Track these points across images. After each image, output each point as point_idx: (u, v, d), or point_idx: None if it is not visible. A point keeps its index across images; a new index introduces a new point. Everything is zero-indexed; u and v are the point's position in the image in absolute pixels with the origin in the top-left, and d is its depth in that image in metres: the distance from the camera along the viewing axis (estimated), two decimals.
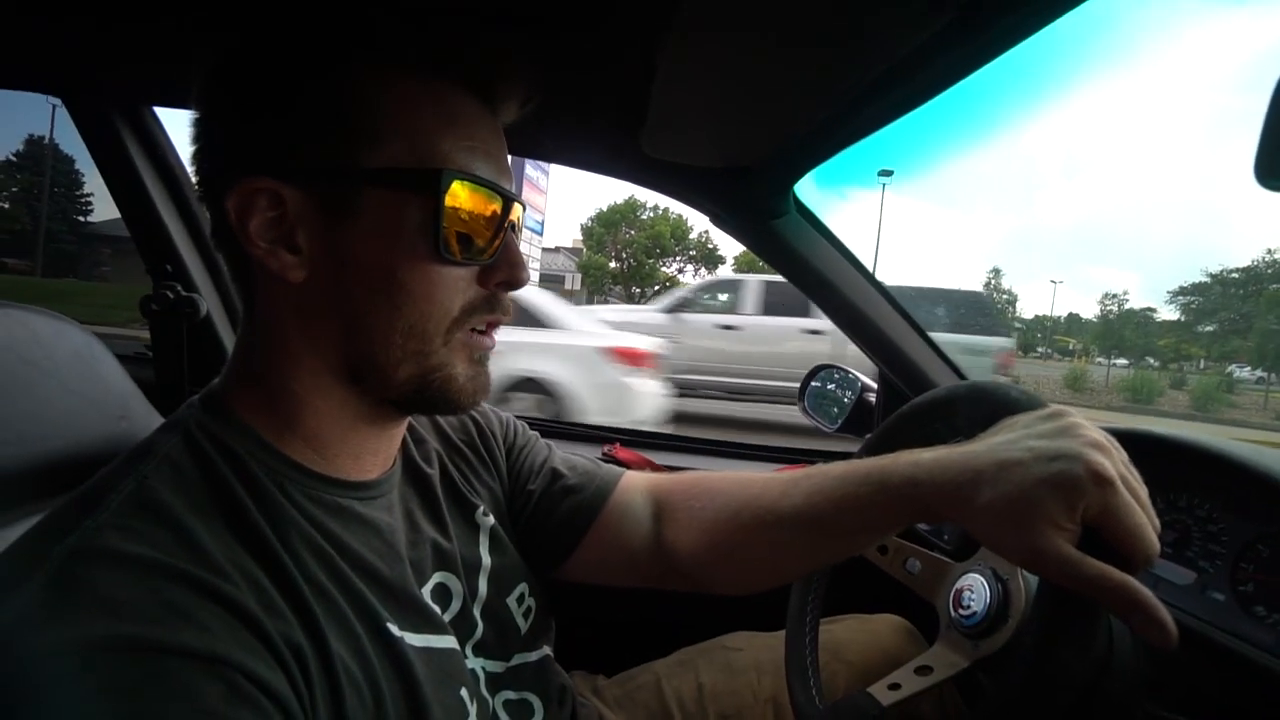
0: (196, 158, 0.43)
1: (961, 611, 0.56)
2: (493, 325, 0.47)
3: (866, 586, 0.75)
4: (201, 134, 0.42)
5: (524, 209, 0.50)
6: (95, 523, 0.33)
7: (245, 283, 0.44)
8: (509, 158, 0.48)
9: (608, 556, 0.60)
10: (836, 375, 1.16)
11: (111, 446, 0.64)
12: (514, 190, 0.46)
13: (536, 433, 0.67)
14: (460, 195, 0.41)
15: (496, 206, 0.44)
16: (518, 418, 0.68)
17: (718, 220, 0.92)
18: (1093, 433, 0.40)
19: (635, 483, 0.63)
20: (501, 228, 0.45)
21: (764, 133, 0.71)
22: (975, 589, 0.56)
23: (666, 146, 0.78)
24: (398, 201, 0.40)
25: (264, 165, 0.40)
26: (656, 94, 0.65)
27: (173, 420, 0.43)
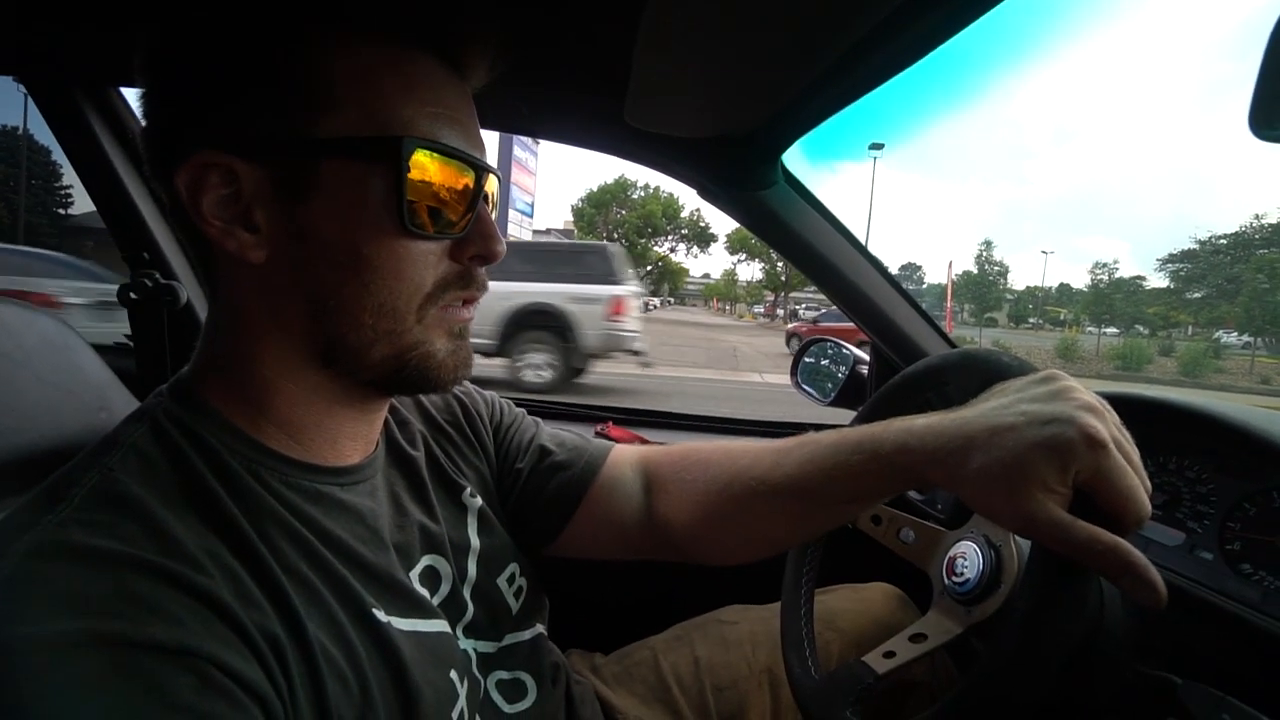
0: (145, 134, 0.41)
1: (955, 579, 0.56)
2: (469, 300, 0.45)
3: (859, 557, 0.76)
4: (149, 108, 0.40)
5: (500, 179, 0.48)
6: (57, 518, 0.32)
7: (207, 264, 0.42)
8: (498, 134, 0.46)
9: (600, 531, 0.60)
10: (830, 350, 1.15)
11: (93, 438, 0.63)
12: (486, 160, 0.44)
13: (523, 410, 0.67)
14: (425, 164, 0.39)
15: (468, 177, 0.42)
16: (503, 396, 0.67)
17: (704, 192, 0.91)
18: (1085, 395, 0.40)
19: (625, 456, 0.62)
20: (475, 199, 0.43)
21: (749, 100, 0.69)
22: (968, 556, 0.56)
23: (650, 117, 0.76)
24: (359, 173, 0.38)
25: (214, 139, 0.38)
26: (638, 63, 0.63)
27: (140, 411, 0.41)
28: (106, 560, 0.31)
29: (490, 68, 0.45)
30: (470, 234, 0.43)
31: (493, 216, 0.46)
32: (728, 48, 0.58)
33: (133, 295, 1.01)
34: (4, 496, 0.56)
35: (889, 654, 0.54)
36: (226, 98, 0.38)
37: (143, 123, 0.41)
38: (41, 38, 0.73)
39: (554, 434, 0.64)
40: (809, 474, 0.49)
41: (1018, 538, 0.55)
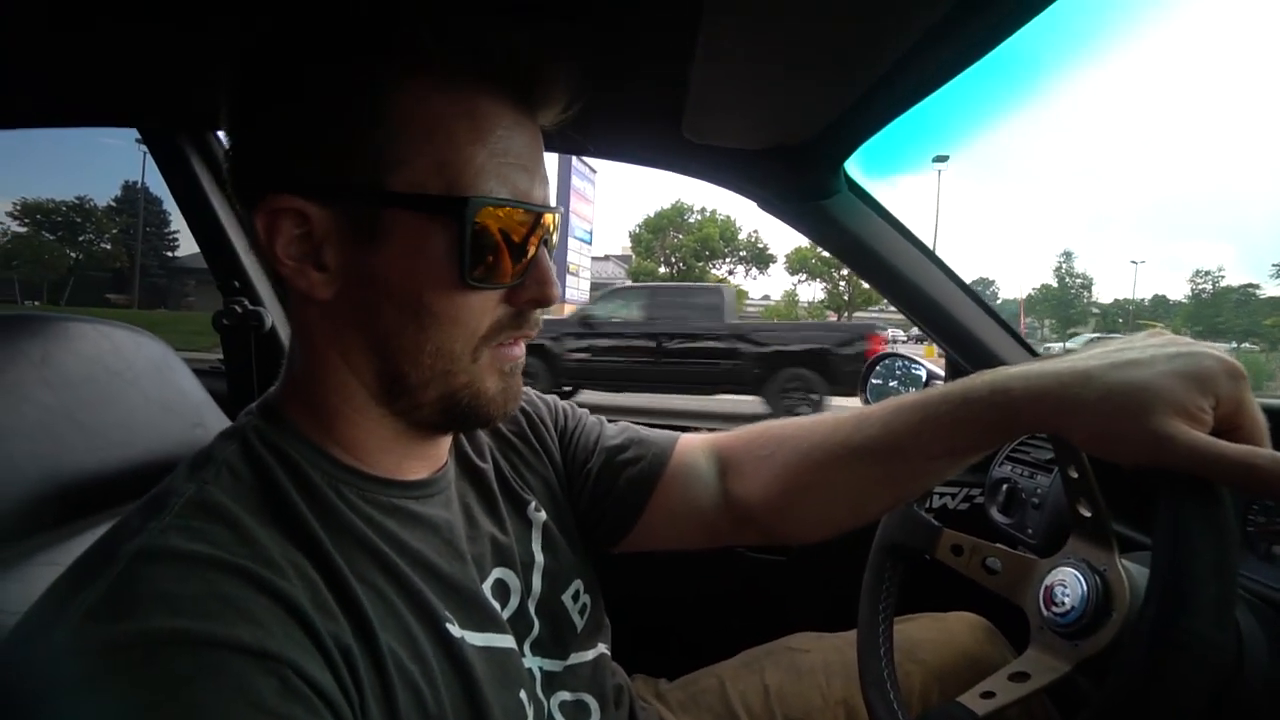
0: (229, 175, 0.43)
1: (1055, 609, 0.50)
2: (521, 338, 0.45)
3: (940, 590, 0.70)
4: (230, 151, 0.42)
5: (560, 214, 0.47)
6: (159, 525, 0.34)
7: (284, 296, 0.45)
8: (557, 161, 0.46)
9: (676, 519, 0.59)
10: (899, 368, 1.10)
11: (187, 452, 0.67)
12: (548, 197, 0.44)
13: (585, 410, 0.66)
14: (489, 221, 0.39)
15: (528, 224, 0.42)
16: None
17: (766, 205, 0.89)
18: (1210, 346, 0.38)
19: (694, 443, 0.61)
20: (531, 246, 0.42)
21: (810, 107, 0.68)
22: (1068, 583, 0.51)
23: (709, 131, 0.76)
24: (425, 227, 0.39)
25: (289, 183, 0.39)
26: (695, 76, 0.63)
27: (231, 429, 0.43)
28: (199, 563, 0.33)
29: (564, 108, 0.44)
30: (526, 280, 0.43)
31: (551, 256, 0.45)
32: (784, 57, 0.57)
33: (225, 321, 1.09)
34: (120, 502, 0.62)
35: (988, 694, 0.49)
36: (301, 143, 0.39)
37: (226, 165, 0.43)
38: (157, 88, 0.81)
39: (619, 430, 0.64)
40: (895, 431, 0.47)
41: (1126, 563, 0.50)
